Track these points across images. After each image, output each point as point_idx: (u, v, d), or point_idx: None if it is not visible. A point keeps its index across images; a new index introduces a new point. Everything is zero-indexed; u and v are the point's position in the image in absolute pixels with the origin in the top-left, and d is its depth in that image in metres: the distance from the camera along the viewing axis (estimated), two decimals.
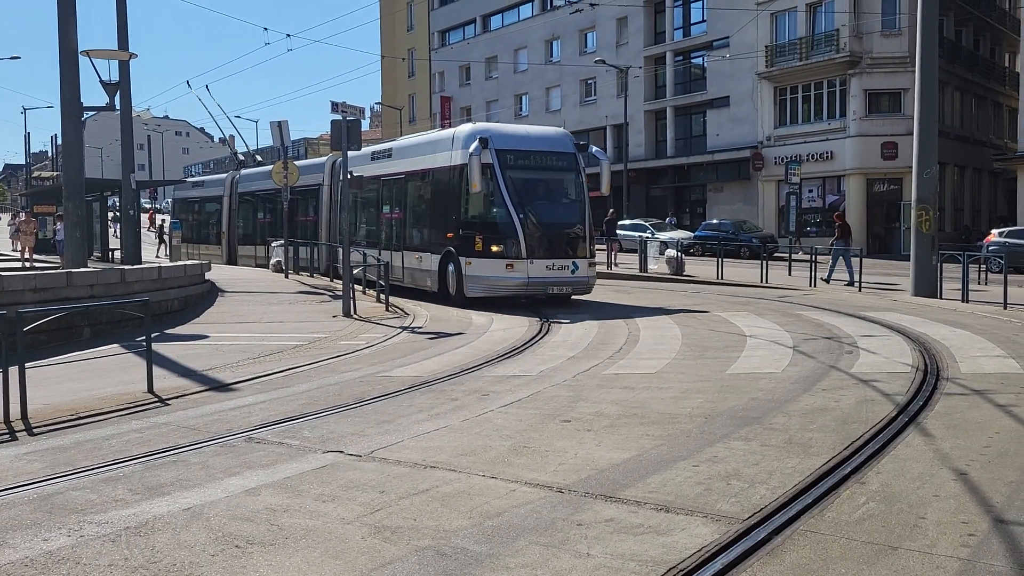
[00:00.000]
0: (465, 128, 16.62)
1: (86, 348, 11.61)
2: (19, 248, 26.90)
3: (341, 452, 5.97)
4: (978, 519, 4.44)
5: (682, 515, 4.56)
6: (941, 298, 16.33)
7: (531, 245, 15.40)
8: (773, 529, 4.34)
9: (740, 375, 8.84)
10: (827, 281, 20.35)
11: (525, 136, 16.61)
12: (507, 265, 15.33)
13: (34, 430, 6.82)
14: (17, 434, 6.73)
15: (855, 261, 19.74)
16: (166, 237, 34.46)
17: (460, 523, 4.50)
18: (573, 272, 15.73)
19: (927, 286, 16.78)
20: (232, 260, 28.74)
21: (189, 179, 37.73)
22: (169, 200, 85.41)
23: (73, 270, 13.77)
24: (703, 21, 40.95)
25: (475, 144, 15.19)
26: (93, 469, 5.64)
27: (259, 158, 35.10)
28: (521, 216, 15.38)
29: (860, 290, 18.67)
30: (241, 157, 26.51)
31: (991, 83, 40.81)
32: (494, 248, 15.42)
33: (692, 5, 41.81)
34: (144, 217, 46.26)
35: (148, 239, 39.00)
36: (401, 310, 15.57)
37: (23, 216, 30.99)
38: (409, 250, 18.45)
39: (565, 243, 15.86)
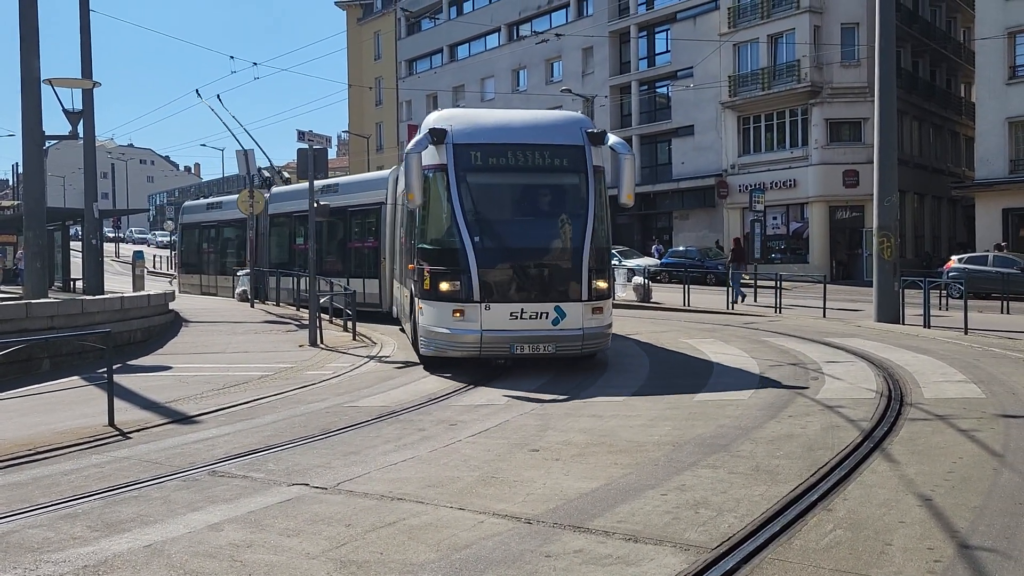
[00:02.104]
0: (431, 118, 12.03)
1: (46, 380, 11.36)
2: None
3: (307, 485, 5.88)
4: (943, 545, 4.48)
5: (651, 545, 4.54)
6: (904, 324, 16.58)
7: (488, 282, 10.67)
8: (742, 558, 4.34)
9: (707, 402, 8.87)
10: (736, 302, 21.61)
11: (507, 125, 11.76)
12: (454, 312, 10.58)
13: None
14: None
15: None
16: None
17: (427, 556, 4.45)
18: (556, 322, 10.69)
19: (890, 312, 17.04)
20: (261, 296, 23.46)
21: (204, 200, 33.22)
22: (133, 230, 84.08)
23: (32, 301, 13.50)
24: (667, 51, 41.61)
25: (420, 138, 11.21)
26: (51, 506, 5.49)
27: (286, 174, 33.01)
28: (476, 239, 10.67)
29: (732, 307, 19.79)
30: (266, 174, 25.29)
31: (948, 113, 41.88)
32: (442, 287, 10.78)
33: (656, 36, 42.48)
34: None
35: (112, 269, 38.40)
36: (369, 339, 15.45)
37: None
38: (396, 280, 16.65)
39: (545, 278, 10.84)
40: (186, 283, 30.13)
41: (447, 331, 10.77)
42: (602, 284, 11.08)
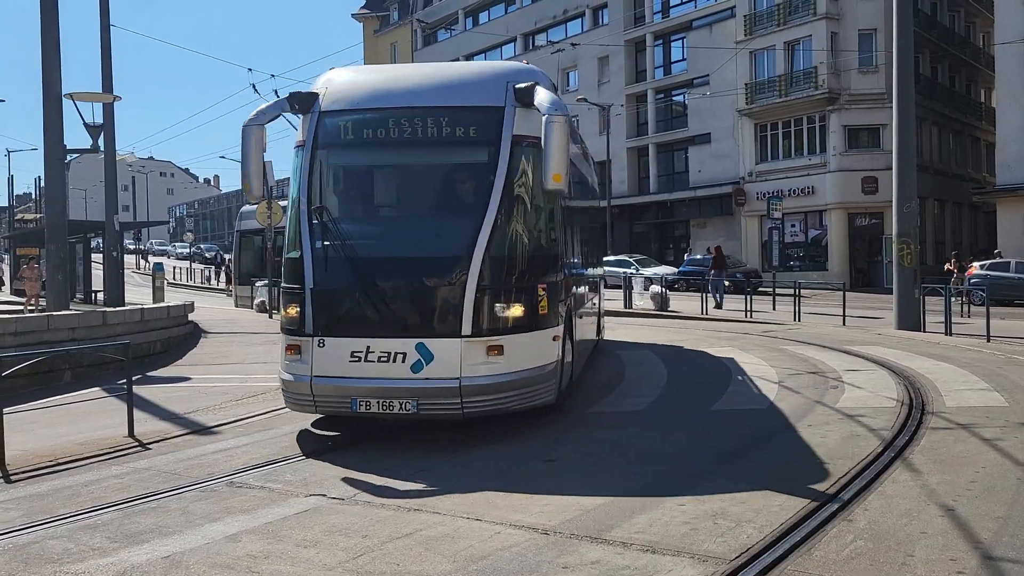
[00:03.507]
0: (318, 80, 8.61)
1: (67, 392, 11.45)
2: (26, 293, 26.41)
3: (324, 495, 5.89)
4: (966, 556, 4.42)
5: (669, 556, 4.51)
6: (925, 331, 16.41)
7: (325, 306, 7.54)
8: (761, 569, 4.30)
9: (725, 411, 8.82)
10: (719, 307, 22.80)
11: (404, 85, 8.38)
12: (288, 348, 7.66)
13: (11, 477, 6.69)
14: None
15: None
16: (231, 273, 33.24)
17: (444, 567, 4.44)
18: (418, 367, 7.20)
19: (910, 319, 16.87)
20: None
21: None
22: (153, 242, 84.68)
23: (54, 313, 13.65)
24: (683, 60, 41.58)
25: (268, 106, 8.18)
26: (71, 517, 5.53)
27: None
28: (319, 246, 7.63)
29: (707, 312, 21.87)
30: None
31: (968, 118, 41.53)
32: (285, 313, 7.83)
33: (672, 44, 42.47)
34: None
35: (132, 280, 38.78)
36: None
37: (27, 262, 30.53)
38: None
39: (405, 302, 7.46)
40: (244, 296, 26.10)
41: (283, 375, 7.72)
42: (515, 310, 7.42)
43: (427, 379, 7.20)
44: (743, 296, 22.58)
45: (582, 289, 11.08)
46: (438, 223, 7.92)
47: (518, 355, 7.40)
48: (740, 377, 11.04)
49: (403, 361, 7.21)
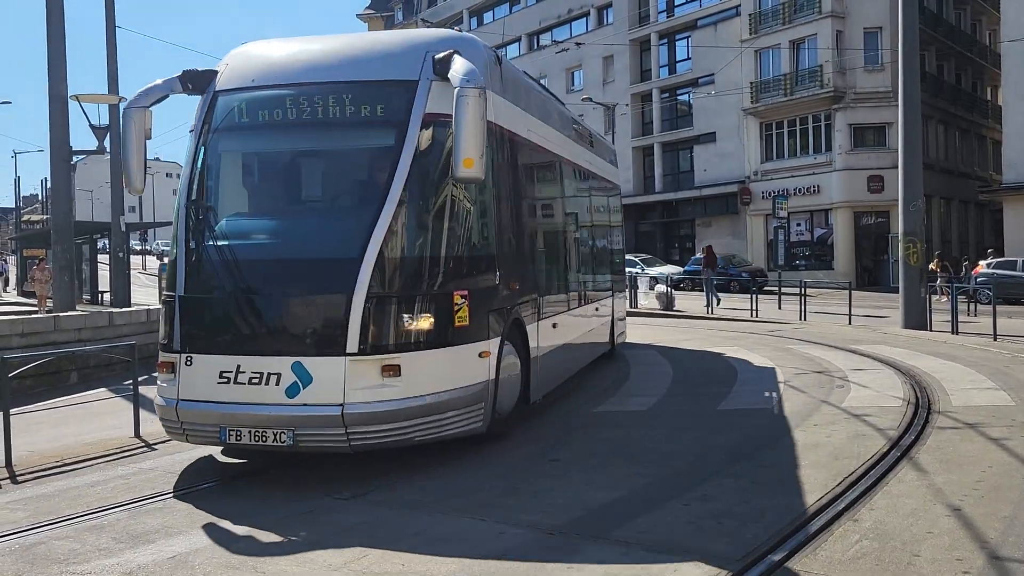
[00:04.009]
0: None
1: (73, 392, 11.50)
2: (37, 295, 26.45)
3: (329, 495, 5.89)
4: (973, 556, 4.40)
5: (673, 555, 4.50)
6: (931, 330, 16.36)
7: (193, 317, 6.53)
8: (766, 569, 4.30)
9: (731, 411, 8.80)
10: (717, 305, 22.88)
11: (313, 59, 7.13)
12: (160, 366, 6.59)
13: (18, 478, 6.72)
14: (0, 482, 6.63)
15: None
16: None
17: (449, 568, 4.44)
18: (294, 391, 6.07)
19: (917, 318, 16.82)
20: None
21: None
22: (159, 242, 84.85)
23: (60, 314, 13.70)
24: (688, 59, 41.51)
25: (157, 84, 7.16)
26: (77, 517, 5.55)
27: None
28: (193, 247, 6.68)
29: (712, 311, 21.62)
30: None
31: (974, 116, 41.37)
32: (161, 323, 6.80)
33: (677, 43, 42.41)
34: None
35: (139, 281, 38.88)
36: None
37: (38, 263, 30.61)
38: None
39: (281, 313, 6.42)
40: None
41: (155, 398, 6.63)
42: (420, 323, 6.28)
43: (304, 405, 5.99)
44: (748, 295, 22.55)
45: (566, 295, 9.90)
46: (328, 219, 6.79)
47: (422, 376, 6.22)
48: (746, 376, 11.02)
49: (277, 383, 6.03)
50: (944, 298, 21.92)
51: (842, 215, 34.99)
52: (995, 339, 14.54)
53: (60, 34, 14.75)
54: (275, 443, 6.04)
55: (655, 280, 27.58)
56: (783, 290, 23.60)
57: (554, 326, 9.02)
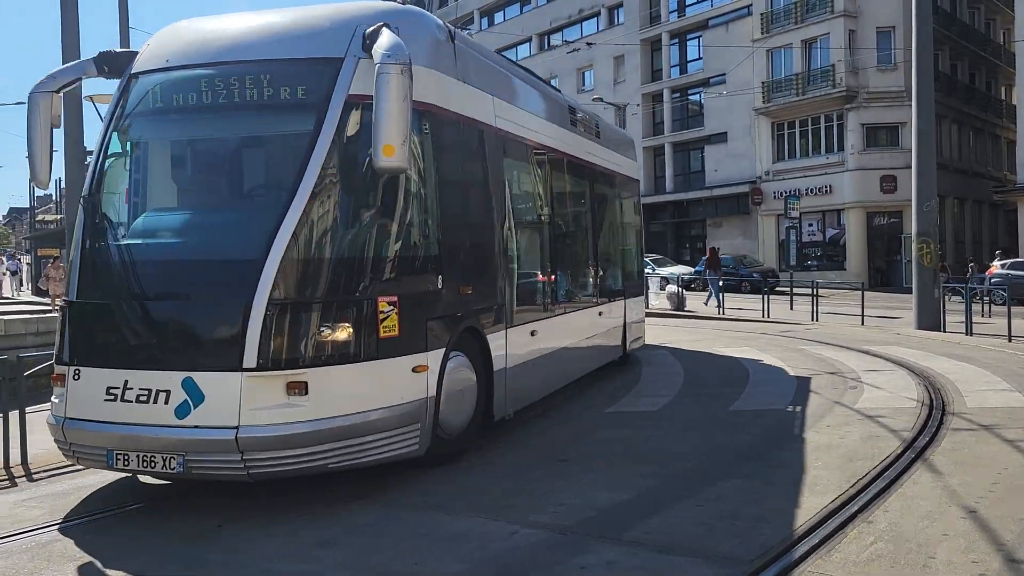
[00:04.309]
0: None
1: None
2: (50, 293, 26.53)
3: (341, 495, 5.89)
4: (989, 558, 4.36)
5: (685, 557, 4.47)
6: (945, 331, 16.25)
7: (82, 326, 5.88)
8: (779, 571, 4.26)
9: (743, 412, 8.75)
10: (707, 304, 23.43)
11: (232, 38, 6.32)
12: (54, 378, 5.96)
13: (34, 476, 6.76)
14: (17, 480, 6.68)
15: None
16: None
17: (461, 567, 4.42)
18: (184, 412, 5.27)
19: (930, 319, 16.71)
20: None
21: None
22: None
23: None
24: (699, 59, 41.40)
25: (61, 68, 6.85)
26: (93, 515, 5.57)
27: None
28: (89, 245, 6.03)
29: (723, 312, 21.72)
30: None
31: (988, 116, 41.10)
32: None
33: (688, 43, 42.30)
34: None
35: None
36: None
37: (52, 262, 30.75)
38: None
39: (172, 323, 5.65)
40: None
41: (48, 416, 5.91)
42: (334, 333, 5.50)
43: (195, 427, 5.21)
44: (760, 296, 22.46)
45: (551, 299, 8.98)
46: (231, 216, 5.95)
47: (336, 394, 5.43)
48: (758, 377, 10.97)
49: (166, 402, 5.27)
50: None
51: (854, 215, 34.81)
52: (1010, 340, 14.42)
53: (74, 35, 14.81)
54: (165, 469, 5.30)
55: (666, 280, 27.52)
56: (795, 291, 23.49)
57: (533, 333, 8.16)
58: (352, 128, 5.74)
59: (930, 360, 11.90)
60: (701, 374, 11.52)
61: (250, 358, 5.26)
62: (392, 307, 5.76)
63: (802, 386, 10.11)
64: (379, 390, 5.71)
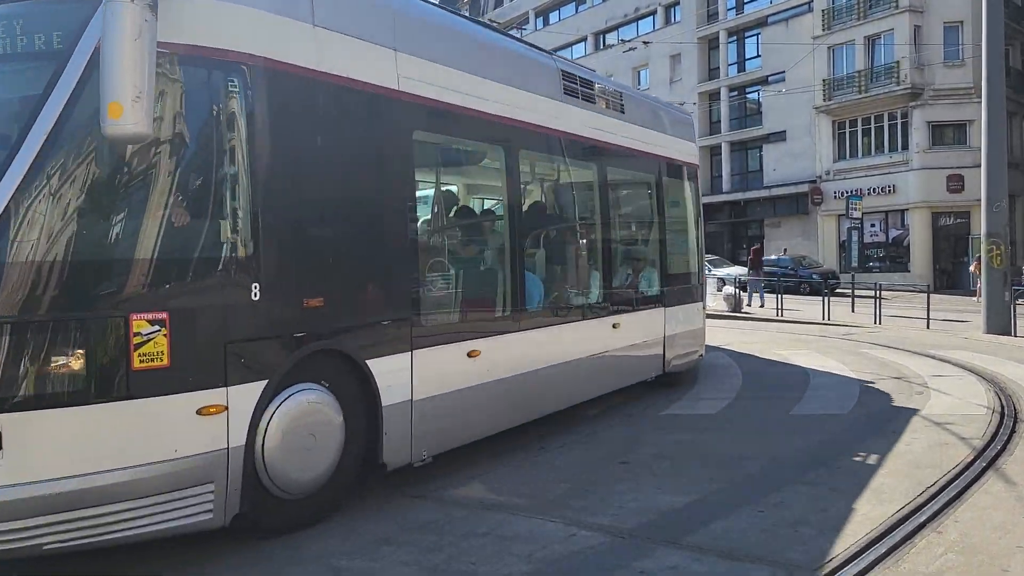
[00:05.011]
0: None
1: None
2: None
3: (399, 492, 5.95)
4: None
5: (748, 563, 4.41)
6: (1015, 335, 15.74)
7: None
8: None
9: (804, 416, 8.59)
10: (749, 305, 23.33)
11: None
12: None
13: None
14: None
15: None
16: None
17: (520, 568, 4.43)
18: None
19: (1000, 323, 16.20)
20: None
21: None
22: None
23: None
24: (758, 56, 40.79)
25: None
26: None
27: None
28: None
29: (781, 314, 20.74)
30: None
31: None
32: None
33: (747, 41, 41.71)
34: None
35: None
36: None
37: None
38: None
39: None
40: None
41: None
42: (52, 365, 4.08)
43: None
44: (819, 298, 22.03)
45: (511, 309, 7.03)
46: None
47: (51, 449, 4.04)
48: (819, 381, 10.76)
49: None
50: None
51: (919, 216, 33.92)
52: None
53: None
54: None
55: (722, 282, 27.17)
56: (856, 293, 22.98)
57: (472, 355, 6.39)
58: (78, 88, 4.28)
59: (1000, 365, 11.53)
60: (760, 377, 11.34)
61: None
62: (157, 327, 4.27)
63: (865, 391, 9.89)
64: (130, 442, 4.20)
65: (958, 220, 33.33)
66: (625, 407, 9.20)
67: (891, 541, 4.69)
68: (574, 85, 8.45)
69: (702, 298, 11.73)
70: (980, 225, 16.99)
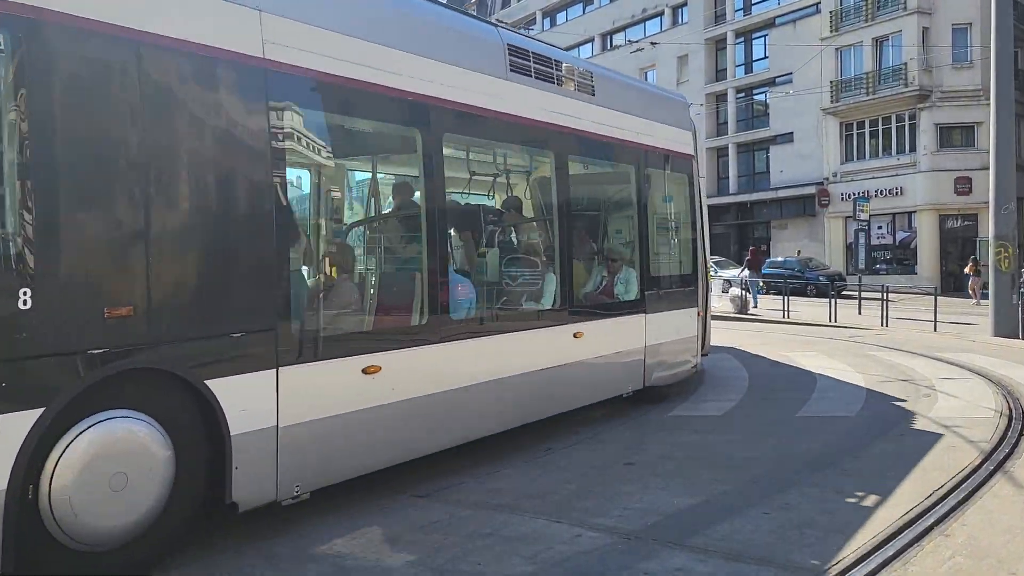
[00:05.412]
0: None
1: None
2: None
3: (405, 492, 5.94)
4: None
5: (753, 565, 4.39)
6: (1023, 339, 15.67)
7: None
8: None
9: (811, 418, 8.56)
10: (755, 306, 23.22)
11: None
12: None
13: None
14: None
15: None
16: None
17: (525, 569, 4.42)
18: None
19: (1007, 326, 16.12)
20: None
21: None
22: None
23: None
24: (765, 57, 40.71)
25: None
26: None
27: None
28: None
29: (788, 316, 20.42)
30: None
31: None
32: None
33: (754, 42, 41.64)
34: None
35: None
36: None
37: None
38: None
39: None
40: None
41: None
42: None
43: None
44: (826, 300, 21.97)
45: (426, 316, 5.98)
46: None
47: None
48: (826, 383, 10.72)
49: None
50: (978, 302, 21.80)
51: (926, 218, 33.81)
52: None
53: None
54: None
55: (728, 283, 27.13)
56: (863, 295, 22.91)
57: (368, 370, 5.39)
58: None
59: (1008, 368, 11.48)
60: (766, 378, 11.30)
61: None
62: None
63: (872, 393, 9.85)
64: None
65: (965, 223, 33.21)
66: (631, 409, 9.17)
67: (899, 544, 4.67)
68: (525, 62, 7.24)
69: (700, 303, 10.39)
70: (988, 228, 16.92)
